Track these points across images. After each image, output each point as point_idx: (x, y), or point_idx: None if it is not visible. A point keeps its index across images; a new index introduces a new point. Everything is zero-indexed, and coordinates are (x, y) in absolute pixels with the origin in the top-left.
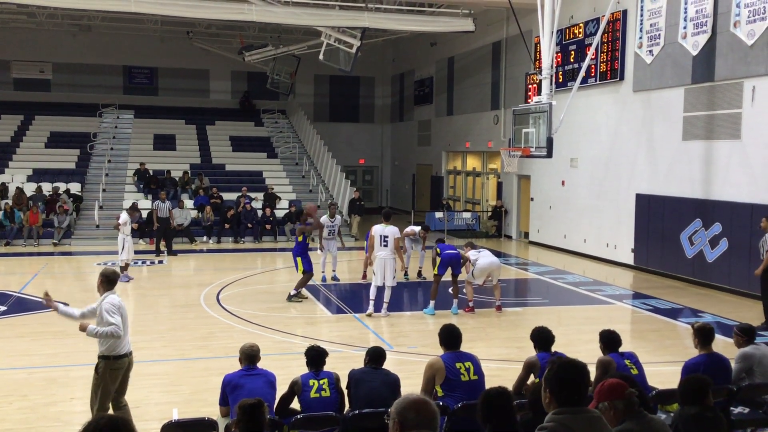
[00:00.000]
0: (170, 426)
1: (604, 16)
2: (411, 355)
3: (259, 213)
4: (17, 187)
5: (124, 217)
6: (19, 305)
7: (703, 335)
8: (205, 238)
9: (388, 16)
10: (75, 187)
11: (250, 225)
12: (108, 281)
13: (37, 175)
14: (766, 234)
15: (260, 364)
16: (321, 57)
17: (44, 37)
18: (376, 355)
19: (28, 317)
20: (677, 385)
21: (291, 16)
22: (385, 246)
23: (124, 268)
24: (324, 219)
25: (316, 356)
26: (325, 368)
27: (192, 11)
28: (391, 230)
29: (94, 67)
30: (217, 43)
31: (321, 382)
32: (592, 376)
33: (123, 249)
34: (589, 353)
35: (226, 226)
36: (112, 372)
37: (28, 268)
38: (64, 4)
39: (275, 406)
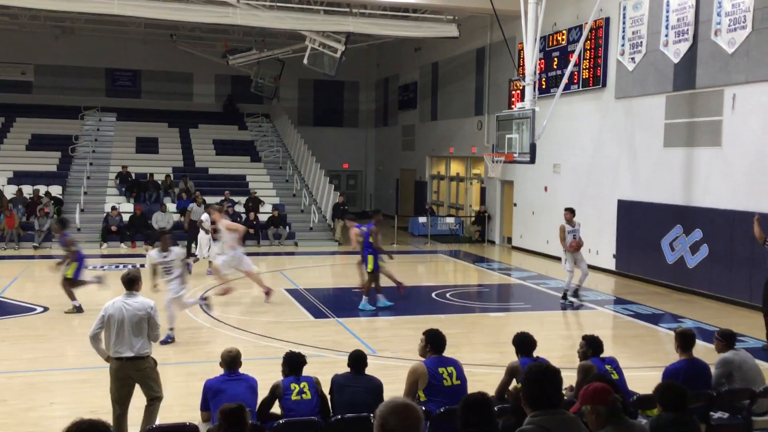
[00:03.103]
0: (151, 431)
1: (586, 23)
2: (394, 359)
3: (242, 217)
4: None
5: (205, 216)
6: None
7: (685, 340)
8: (187, 242)
9: (373, 21)
10: (56, 190)
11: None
12: (122, 282)
13: (18, 178)
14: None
15: (243, 369)
16: (305, 61)
17: (26, 39)
18: (358, 360)
19: (8, 321)
20: (653, 390)
21: (275, 20)
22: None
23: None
24: (153, 253)
25: (294, 362)
26: (308, 373)
27: (175, 14)
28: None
29: (76, 69)
30: (201, 47)
31: (302, 385)
32: (572, 381)
33: (209, 246)
34: (571, 358)
35: None
36: (112, 370)
37: (8, 272)
38: (46, 5)
39: (256, 409)
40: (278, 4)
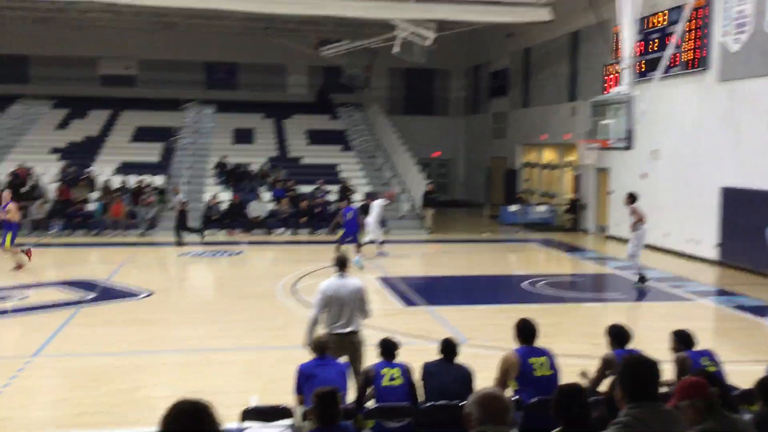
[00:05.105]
0: (249, 412)
1: (688, 3)
2: (485, 348)
3: (333, 206)
4: (105, 181)
5: (379, 200)
6: (107, 293)
7: None
8: (281, 230)
9: (464, 8)
10: (159, 180)
11: (317, 210)
12: (334, 264)
13: (124, 169)
14: None
15: None
16: (396, 50)
17: (130, 35)
18: (448, 348)
19: (115, 305)
20: (755, 384)
21: (366, 10)
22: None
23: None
24: None
25: (388, 347)
26: (399, 360)
27: (271, 7)
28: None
29: (177, 63)
30: (295, 39)
31: (393, 371)
32: (668, 374)
33: (373, 229)
34: (668, 351)
35: (302, 219)
36: (330, 345)
37: (115, 258)
38: (148, 2)
39: (355, 396)
40: None
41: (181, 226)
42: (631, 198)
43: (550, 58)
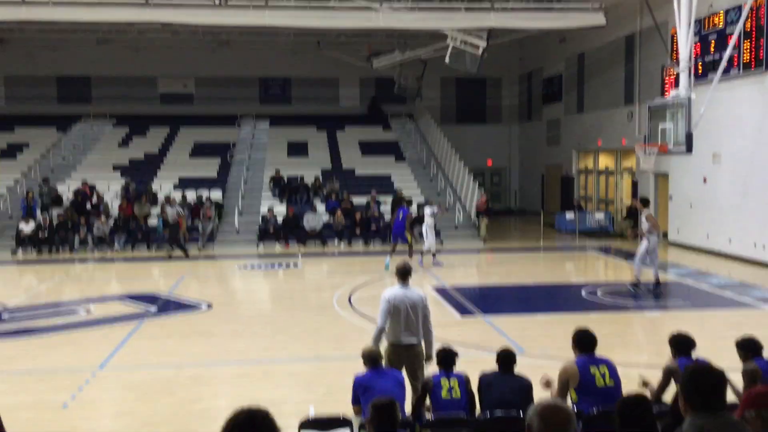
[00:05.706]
0: (308, 423)
1: (746, 3)
2: (543, 359)
3: (387, 217)
4: (165, 196)
5: (429, 209)
6: (168, 306)
7: None
8: (336, 242)
9: (515, 15)
10: (216, 195)
11: (374, 227)
12: (396, 274)
13: (183, 184)
14: None
15: None
16: (447, 60)
17: (186, 54)
18: (506, 359)
19: (177, 318)
20: None
21: (417, 21)
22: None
23: (433, 255)
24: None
25: (446, 357)
26: (456, 370)
27: (322, 21)
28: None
29: (232, 79)
30: (346, 52)
31: (452, 382)
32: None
33: (428, 237)
34: (734, 360)
35: (357, 231)
36: (391, 356)
37: (176, 272)
38: (203, 20)
39: (412, 407)
40: (420, 5)
41: (174, 239)
42: (644, 203)
43: (604, 63)
